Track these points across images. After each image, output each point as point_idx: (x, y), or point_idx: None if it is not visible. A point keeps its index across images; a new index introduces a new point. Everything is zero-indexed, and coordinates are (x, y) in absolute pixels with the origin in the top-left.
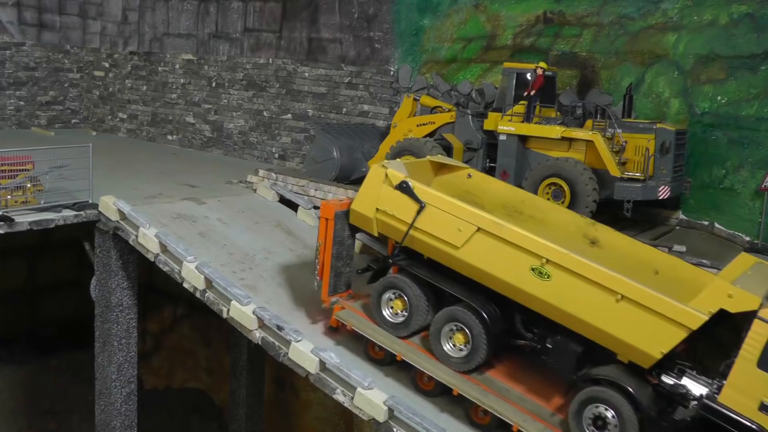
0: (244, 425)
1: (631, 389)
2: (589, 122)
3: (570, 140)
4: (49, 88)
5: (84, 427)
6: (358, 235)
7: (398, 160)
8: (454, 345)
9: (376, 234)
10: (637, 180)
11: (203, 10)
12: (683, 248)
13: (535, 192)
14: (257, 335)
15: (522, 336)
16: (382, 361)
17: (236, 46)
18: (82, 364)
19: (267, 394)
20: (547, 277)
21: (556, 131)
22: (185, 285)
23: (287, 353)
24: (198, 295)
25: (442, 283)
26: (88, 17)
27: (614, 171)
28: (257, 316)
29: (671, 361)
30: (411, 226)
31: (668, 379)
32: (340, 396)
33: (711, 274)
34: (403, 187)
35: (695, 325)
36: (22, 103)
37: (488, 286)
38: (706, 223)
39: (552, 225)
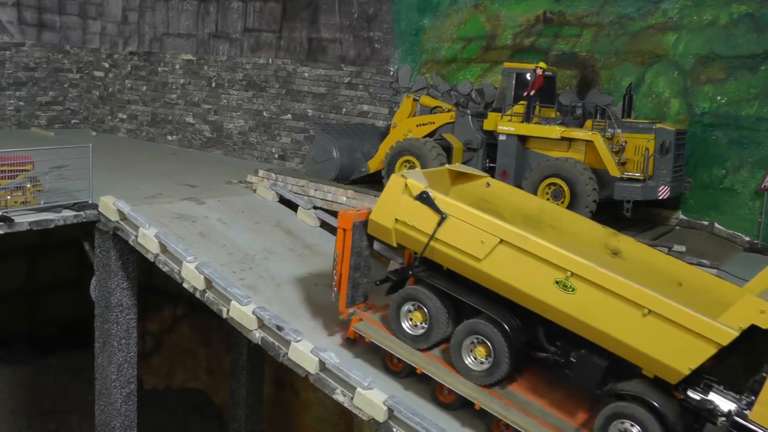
0: (243, 425)
1: (657, 404)
2: (588, 122)
3: (570, 140)
4: (49, 88)
5: (84, 427)
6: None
7: (418, 170)
8: (475, 358)
9: (395, 245)
10: (636, 180)
11: (203, 10)
12: (683, 248)
13: (535, 192)
14: (257, 335)
15: (545, 349)
16: (400, 374)
17: (236, 46)
18: (82, 364)
19: (267, 394)
20: (572, 291)
21: (555, 131)
22: (185, 285)
23: (287, 353)
24: (198, 295)
25: (463, 295)
26: (88, 17)
27: (614, 171)
28: (257, 316)
29: (698, 376)
30: (431, 237)
31: (695, 395)
32: (339, 396)
33: (736, 286)
34: (424, 198)
35: (725, 341)
36: (22, 103)
37: (511, 298)
38: (706, 223)
39: (572, 235)
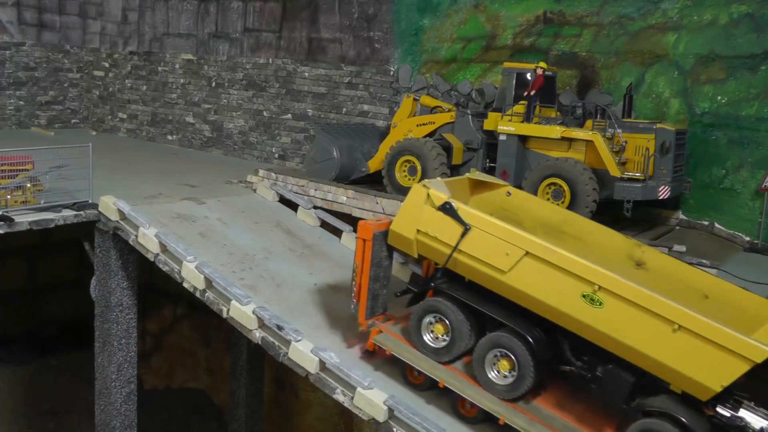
0: (243, 425)
1: (686, 421)
2: (589, 122)
3: (570, 140)
4: (49, 88)
5: (84, 427)
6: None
7: (439, 180)
8: (498, 372)
9: (416, 256)
10: (637, 180)
11: (203, 10)
12: (683, 248)
13: (535, 192)
14: (257, 335)
15: (570, 363)
16: (421, 387)
17: (236, 46)
18: (82, 364)
19: (267, 394)
20: (599, 305)
21: (556, 131)
22: (185, 285)
23: (287, 353)
24: (198, 295)
25: (486, 307)
26: (88, 17)
27: (614, 171)
28: (257, 316)
29: (728, 392)
30: (455, 249)
31: (725, 411)
32: (339, 396)
33: (764, 299)
34: (447, 209)
35: (760, 359)
36: (22, 103)
37: (536, 312)
38: (706, 223)
39: (596, 246)
